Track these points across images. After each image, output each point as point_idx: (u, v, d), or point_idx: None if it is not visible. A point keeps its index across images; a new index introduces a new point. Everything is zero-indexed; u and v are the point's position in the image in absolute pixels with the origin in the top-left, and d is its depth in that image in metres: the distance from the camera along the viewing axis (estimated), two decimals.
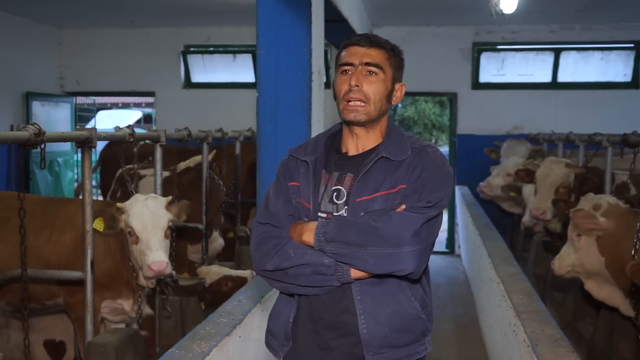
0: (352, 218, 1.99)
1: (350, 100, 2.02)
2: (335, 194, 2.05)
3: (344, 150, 2.12)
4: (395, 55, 2.08)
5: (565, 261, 3.71)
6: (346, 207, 2.02)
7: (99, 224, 3.61)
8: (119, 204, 3.73)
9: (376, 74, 2.03)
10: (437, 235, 2.03)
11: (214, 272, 4.54)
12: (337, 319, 2.02)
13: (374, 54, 2.04)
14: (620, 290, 3.52)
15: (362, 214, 1.99)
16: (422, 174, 1.99)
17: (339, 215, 2.03)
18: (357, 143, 2.10)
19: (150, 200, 3.77)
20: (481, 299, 5.70)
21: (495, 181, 6.98)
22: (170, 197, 3.96)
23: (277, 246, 2.00)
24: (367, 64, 2.02)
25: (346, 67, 2.04)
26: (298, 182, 2.10)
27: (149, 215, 3.69)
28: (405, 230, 1.91)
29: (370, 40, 2.06)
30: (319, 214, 2.05)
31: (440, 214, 2.01)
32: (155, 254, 3.62)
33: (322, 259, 1.95)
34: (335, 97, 2.10)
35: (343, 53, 2.08)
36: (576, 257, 3.66)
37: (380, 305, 2.00)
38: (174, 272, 4.24)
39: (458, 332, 5.81)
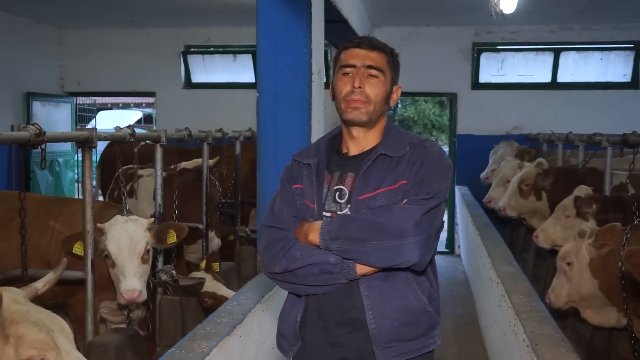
0: (355, 215, 2.03)
1: (352, 101, 2.06)
2: (337, 193, 2.10)
3: (344, 151, 2.17)
4: (393, 59, 2.13)
5: (561, 293, 3.74)
6: (349, 205, 2.07)
7: (79, 248, 3.51)
8: (99, 225, 3.60)
9: (377, 76, 2.07)
10: (440, 225, 2.06)
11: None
12: (346, 316, 2.06)
13: (375, 57, 2.08)
14: (614, 307, 3.55)
15: (364, 210, 2.03)
16: (421, 168, 2.04)
17: (343, 214, 2.07)
18: (357, 144, 2.14)
19: (130, 223, 3.62)
20: (481, 298, 5.71)
21: (497, 193, 6.87)
22: (152, 219, 3.81)
23: (284, 248, 2.05)
24: (369, 66, 2.07)
25: (348, 70, 2.08)
26: (302, 184, 2.15)
27: (126, 240, 3.55)
28: (406, 222, 1.94)
29: (372, 44, 2.10)
30: (324, 213, 2.09)
31: (441, 204, 2.05)
32: (128, 282, 3.51)
33: (328, 257, 2.00)
34: (333, 97, 2.14)
35: (343, 55, 2.11)
36: (570, 286, 3.67)
37: (388, 299, 2.04)
38: (176, 272, 4.25)
39: (458, 332, 5.82)
